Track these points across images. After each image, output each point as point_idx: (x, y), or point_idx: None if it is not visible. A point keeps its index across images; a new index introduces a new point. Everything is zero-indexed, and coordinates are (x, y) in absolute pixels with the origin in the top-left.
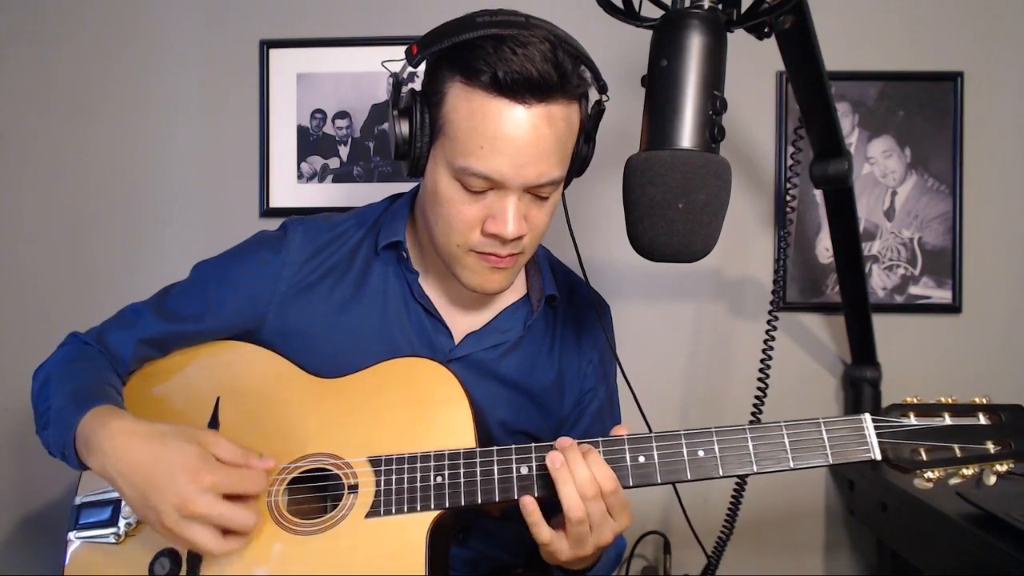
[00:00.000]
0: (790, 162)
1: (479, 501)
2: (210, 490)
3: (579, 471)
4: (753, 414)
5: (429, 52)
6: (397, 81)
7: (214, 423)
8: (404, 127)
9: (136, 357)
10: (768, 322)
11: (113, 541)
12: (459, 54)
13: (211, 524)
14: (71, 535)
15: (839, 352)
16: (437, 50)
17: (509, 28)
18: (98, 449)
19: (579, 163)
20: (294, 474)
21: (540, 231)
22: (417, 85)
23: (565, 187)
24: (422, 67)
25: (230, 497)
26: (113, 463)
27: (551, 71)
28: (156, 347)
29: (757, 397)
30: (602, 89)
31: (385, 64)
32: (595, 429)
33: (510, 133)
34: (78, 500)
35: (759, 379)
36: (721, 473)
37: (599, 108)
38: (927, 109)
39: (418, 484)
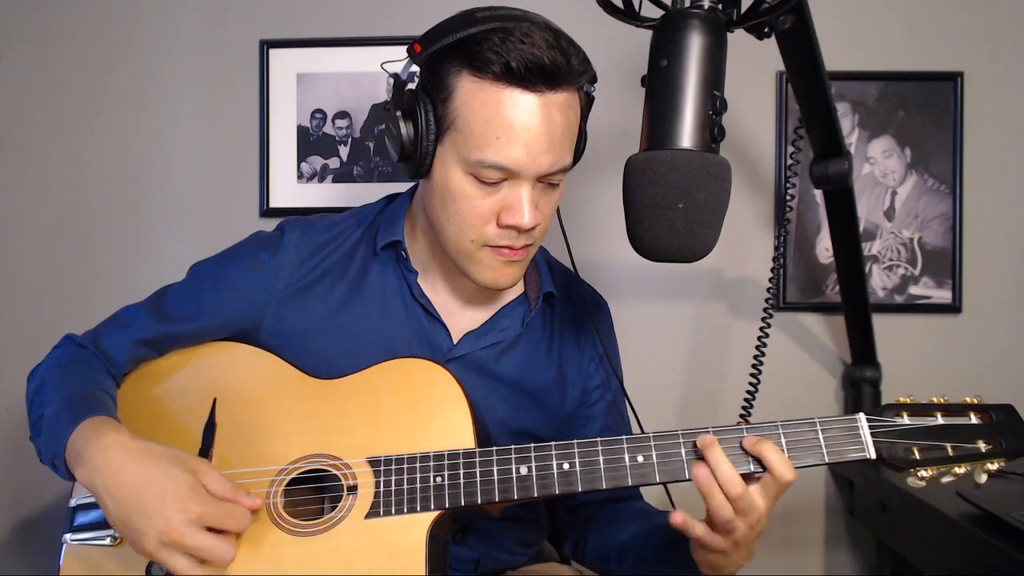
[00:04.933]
0: (790, 162)
1: (479, 501)
2: (195, 521)
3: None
4: (744, 408)
5: (435, 48)
6: (399, 82)
7: (211, 424)
8: (409, 128)
9: (132, 359)
10: (763, 319)
11: (109, 543)
12: (466, 48)
13: (189, 554)
14: (66, 537)
15: (839, 352)
16: (443, 46)
17: (511, 21)
18: (89, 461)
19: (574, 156)
20: (293, 475)
21: (548, 220)
22: (414, 85)
23: None
24: (420, 67)
25: (213, 528)
26: (103, 479)
27: (559, 58)
28: (153, 348)
29: (748, 392)
30: (592, 79)
31: (384, 66)
32: (608, 427)
33: (525, 122)
34: (73, 502)
35: (751, 375)
36: None
37: (590, 98)
38: (927, 109)
39: (418, 485)
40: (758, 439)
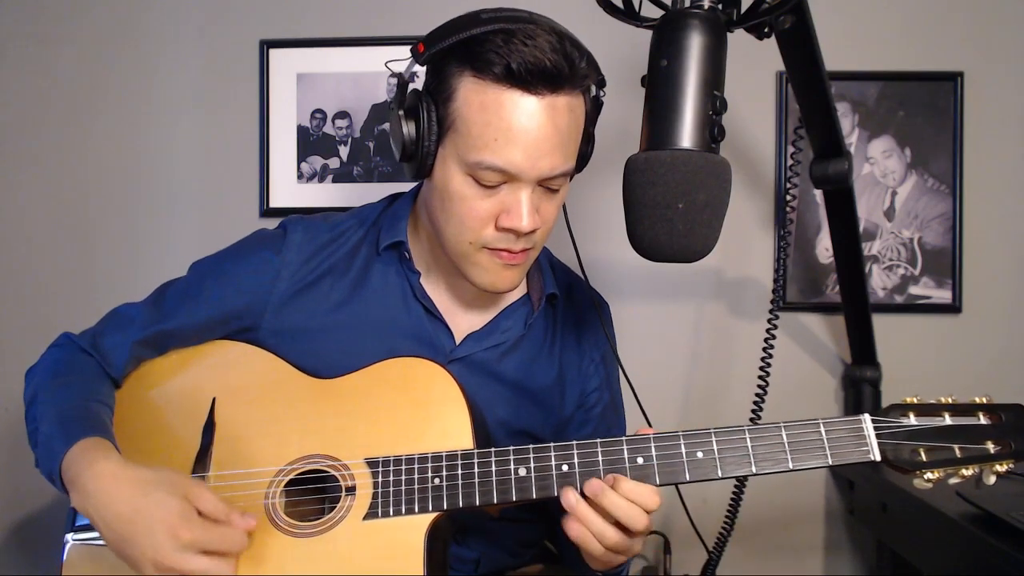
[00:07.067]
0: (790, 162)
1: (477, 502)
2: (188, 547)
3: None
4: (754, 411)
5: (438, 49)
6: (402, 81)
7: (210, 424)
8: (411, 127)
9: (132, 359)
10: (768, 321)
11: None
12: (468, 49)
13: None
14: (68, 536)
15: (839, 352)
16: (446, 46)
17: (515, 23)
18: (82, 489)
19: (581, 160)
20: (291, 476)
21: (550, 224)
22: (419, 85)
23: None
24: (423, 67)
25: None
26: (96, 508)
27: (561, 61)
28: (153, 347)
29: (757, 396)
30: (600, 83)
31: (388, 64)
32: (601, 432)
33: (524, 124)
34: None
35: (759, 379)
36: (720, 474)
37: (598, 102)
38: (927, 109)
39: (416, 485)
40: (602, 489)
